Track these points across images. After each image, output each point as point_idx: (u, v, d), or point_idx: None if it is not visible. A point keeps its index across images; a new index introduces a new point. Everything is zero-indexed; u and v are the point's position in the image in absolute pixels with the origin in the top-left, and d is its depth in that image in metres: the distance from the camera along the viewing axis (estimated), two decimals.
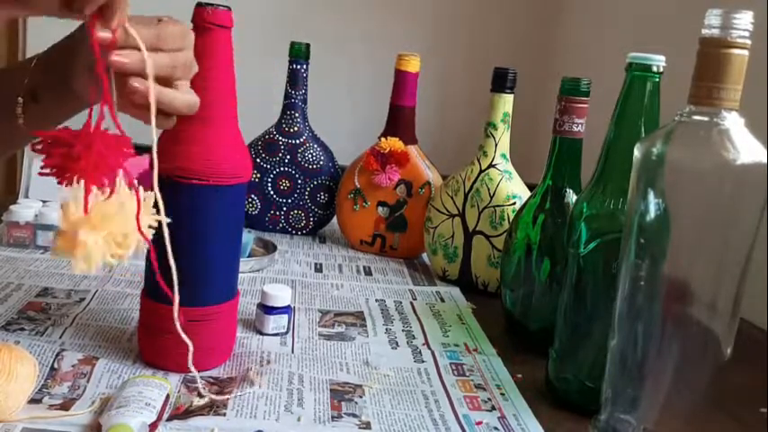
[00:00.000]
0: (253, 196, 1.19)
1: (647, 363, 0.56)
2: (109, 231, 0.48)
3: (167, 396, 0.61)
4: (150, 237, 0.51)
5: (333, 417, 0.63)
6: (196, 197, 0.62)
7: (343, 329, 0.83)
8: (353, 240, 1.17)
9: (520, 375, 0.75)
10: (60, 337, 0.73)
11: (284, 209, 1.20)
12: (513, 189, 0.98)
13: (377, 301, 0.94)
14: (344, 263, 1.10)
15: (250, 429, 0.59)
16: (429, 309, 0.93)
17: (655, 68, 0.64)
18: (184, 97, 0.55)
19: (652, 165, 0.55)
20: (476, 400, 0.69)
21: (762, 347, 0.91)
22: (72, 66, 0.62)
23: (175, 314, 0.58)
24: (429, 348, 0.80)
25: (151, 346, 0.68)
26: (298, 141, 1.17)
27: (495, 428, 0.64)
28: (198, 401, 0.63)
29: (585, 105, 0.80)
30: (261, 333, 0.79)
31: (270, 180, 1.18)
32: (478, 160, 1.00)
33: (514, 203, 0.97)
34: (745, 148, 0.52)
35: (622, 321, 0.58)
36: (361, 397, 0.67)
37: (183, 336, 0.58)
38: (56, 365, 0.66)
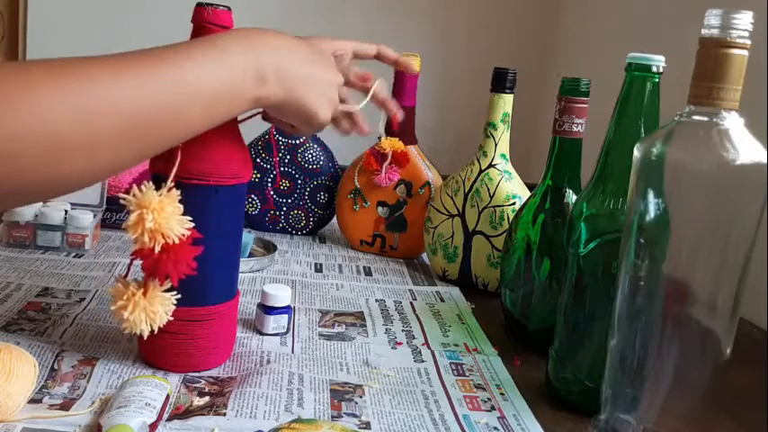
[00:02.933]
0: (253, 196, 1.19)
1: (647, 363, 0.56)
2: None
3: (167, 396, 0.61)
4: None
5: (333, 416, 0.63)
6: (196, 197, 0.62)
7: (343, 329, 0.83)
8: (353, 240, 1.17)
9: (518, 362, 0.78)
10: (60, 338, 0.73)
11: (284, 209, 1.20)
12: (512, 189, 0.98)
13: (377, 301, 0.94)
14: (344, 263, 1.10)
15: (250, 429, 0.59)
16: (429, 309, 0.93)
17: (654, 69, 0.64)
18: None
19: (652, 165, 0.55)
20: (475, 399, 0.69)
21: (762, 347, 0.91)
22: None
23: None
24: (429, 348, 0.80)
25: (151, 346, 0.68)
26: (297, 141, 1.17)
27: (495, 428, 0.64)
28: (198, 401, 0.63)
29: (585, 105, 0.80)
30: (261, 333, 0.79)
31: (270, 180, 1.18)
32: (478, 160, 1.00)
33: (514, 203, 0.97)
34: (744, 148, 0.52)
35: (622, 321, 0.58)
36: (361, 397, 0.67)
37: None
38: (56, 366, 0.67)
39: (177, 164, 0.61)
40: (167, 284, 0.61)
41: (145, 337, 0.61)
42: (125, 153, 0.52)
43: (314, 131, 0.71)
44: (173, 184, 0.60)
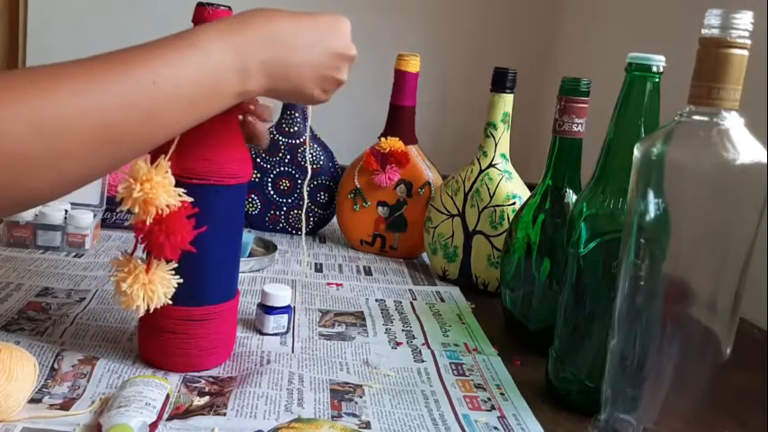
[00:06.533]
0: (253, 196, 1.19)
1: (647, 362, 0.56)
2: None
3: (167, 396, 0.61)
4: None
5: (333, 416, 0.63)
6: (196, 197, 0.62)
7: (343, 329, 0.83)
8: (353, 240, 1.17)
9: (518, 362, 0.78)
10: (60, 337, 0.73)
11: (284, 209, 1.20)
12: (512, 189, 0.98)
13: (377, 300, 0.94)
14: (344, 263, 1.10)
15: (250, 429, 0.59)
16: (429, 308, 0.93)
17: (654, 68, 0.64)
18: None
19: (652, 165, 0.55)
20: (475, 399, 0.69)
21: (762, 347, 0.91)
22: None
23: None
24: (429, 348, 0.80)
25: (151, 345, 0.69)
26: (298, 141, 1.17)
27: (495, 428, 0.64)
28: (198, 401, 0.63)
29: (585, 105, 0.80)
30: (261, 333, 0.79)
31: (270, 180, 1.18)
32: (478, 160, 1.00)
33: (514, 203, 0.97)
34: (744, 148, 0.52)
35: (622, 321, 0.58)
36: (361, 397, 0.67)
37: None
38: (56, 365, 0.67)
39: (175, 142, 0.61)
40: (171, 265, 0.61)
41: (140, 314, 0.61)
42: (96, 163, 0.51)
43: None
44: (165, 158, 0.60)
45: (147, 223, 0.59)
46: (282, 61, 0.60)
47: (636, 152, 0.56)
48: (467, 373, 0.75)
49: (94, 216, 1.03)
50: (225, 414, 0.61)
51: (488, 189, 0.99)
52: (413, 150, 1.13)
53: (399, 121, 1.12)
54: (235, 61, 0.56)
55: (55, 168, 0.48)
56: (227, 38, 0.56)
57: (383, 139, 1.12)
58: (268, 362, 0.72)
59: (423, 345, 0.81)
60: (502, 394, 0.71)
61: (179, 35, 0.56)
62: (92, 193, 1.07)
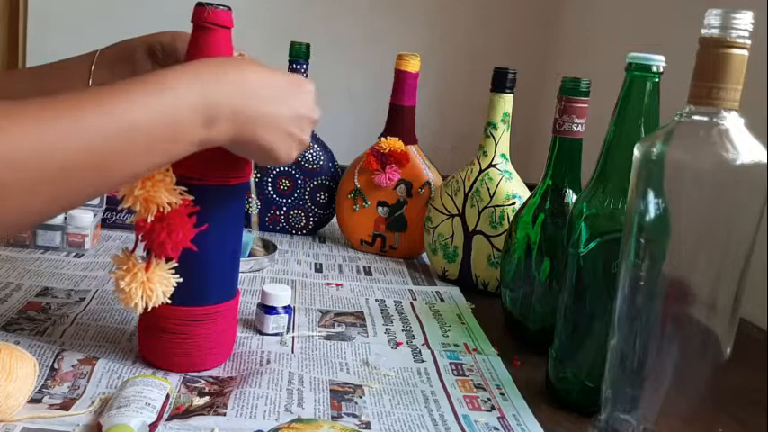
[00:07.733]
0: (253, 196, 1.19)
1: (647, 362, 0.56)
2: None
3: (167, 396, 0.61)
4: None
5: (333, 417, 0.63)
6: (196, 197, 0.62)
7: (343, 329, 0.83)
8: (353, 240, 1.17)
9: (518, 362, 0.78)
10: (60, 337, 0.73)
11: (284, 209, 1.20)
12: (512, 189, 0.98)
13: (377, 300, 0.94)
14: (344, 263, 1.10)
15: (250, 429, 0.59)
16: (429, 308, 0.93)
17: (654, 68, 0.64)
18: None
19: (652, 165, 0.55)
20: (475, 399, 0.69)
21: (762, 347, 0.91)
22: (134, 60, 0.76)
23: None
24: (429, 348, 0.80)
25: (151, 345, 0.69)
26: None
27: (495, 428, 0.64)
28: (198, 401, 0.63)
29: (585, 105, 0.80)
30: (261, 333, 0.79)
31: (270, 180, 1.18)
32: (478, 160, 1.00)
33: (514, 203, 0.97)
34: (744, 148, 0.52)
35: (622, 321, 0.58)
36: (360, 397, 0.67)
37: None
38: (56, 365, 0.66)
39: None
40: (170, 264, 0.61)
41: (138, 312, 0.61)
42: (61, 201, 0.49)
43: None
44: None
45: (149, 221, 0.59)
46: (250, 112, 0.58)
47: (636, 152, 0.56)
48: (467, 374, 0.75)
49: (94, 216, 1.03)
50: (225, 414, 0.61)
51: (488, 189, 0.99)
52: (413, 150, 1.13)
53: (399, 120, 1.12)
54: (200, 104, 0.54)
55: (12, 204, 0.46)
56: (198, 80, 0.55)
57: (383, 138, 1.12)
58: (268, 362, 0.72)
59: (423, 345, 0.81)
60: (502, 394, 0.71)
61: (154, 73, 0.54)
62: None
